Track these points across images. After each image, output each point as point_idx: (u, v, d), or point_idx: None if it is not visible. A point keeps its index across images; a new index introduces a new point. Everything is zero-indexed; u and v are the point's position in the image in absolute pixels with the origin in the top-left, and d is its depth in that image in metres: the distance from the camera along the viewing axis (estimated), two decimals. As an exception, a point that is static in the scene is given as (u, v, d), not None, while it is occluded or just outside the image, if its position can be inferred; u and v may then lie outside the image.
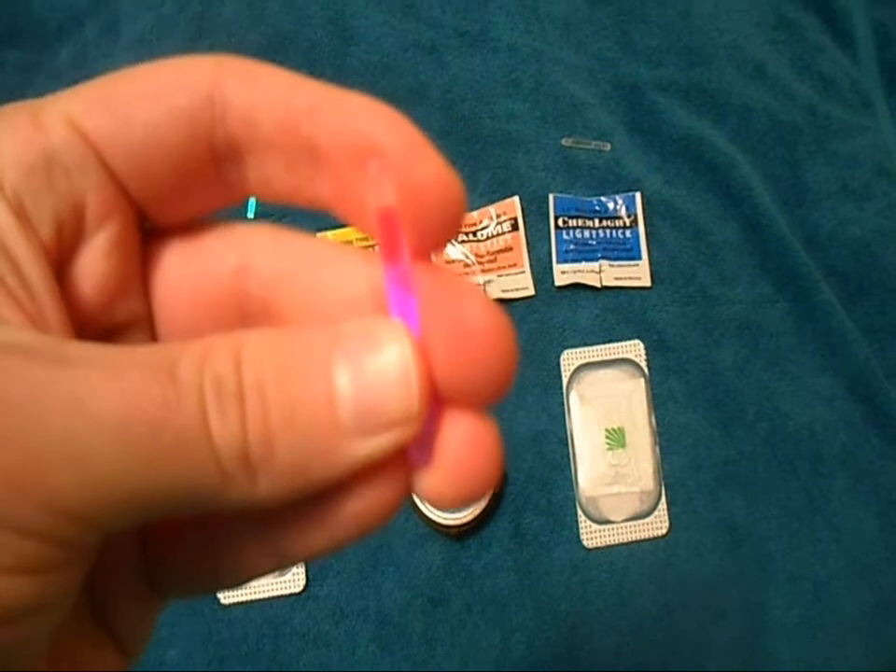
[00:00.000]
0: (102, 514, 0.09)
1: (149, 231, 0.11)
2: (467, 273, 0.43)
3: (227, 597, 0.38)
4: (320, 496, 0.10)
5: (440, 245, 0.10)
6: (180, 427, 0.09)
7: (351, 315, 0.10)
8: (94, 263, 0.10)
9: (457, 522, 0.37)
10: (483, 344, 0.09)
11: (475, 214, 0.44)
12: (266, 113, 0.10)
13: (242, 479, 0.09)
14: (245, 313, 0.11)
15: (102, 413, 0.08)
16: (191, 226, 0.11)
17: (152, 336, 0.11)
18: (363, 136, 0.10)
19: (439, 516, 0.37)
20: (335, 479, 0.09)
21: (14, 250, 0.09)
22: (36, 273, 0.10)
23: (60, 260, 0.10)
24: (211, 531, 0.11)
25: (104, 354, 0.09)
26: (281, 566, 0.11)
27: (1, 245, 0.09)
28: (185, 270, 0.11)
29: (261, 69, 0.10)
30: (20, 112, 0.10)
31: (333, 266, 0.11)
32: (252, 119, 0.10)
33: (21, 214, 0.10)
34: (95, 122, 0.10)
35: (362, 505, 0.10)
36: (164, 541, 0.11)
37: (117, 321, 0.11)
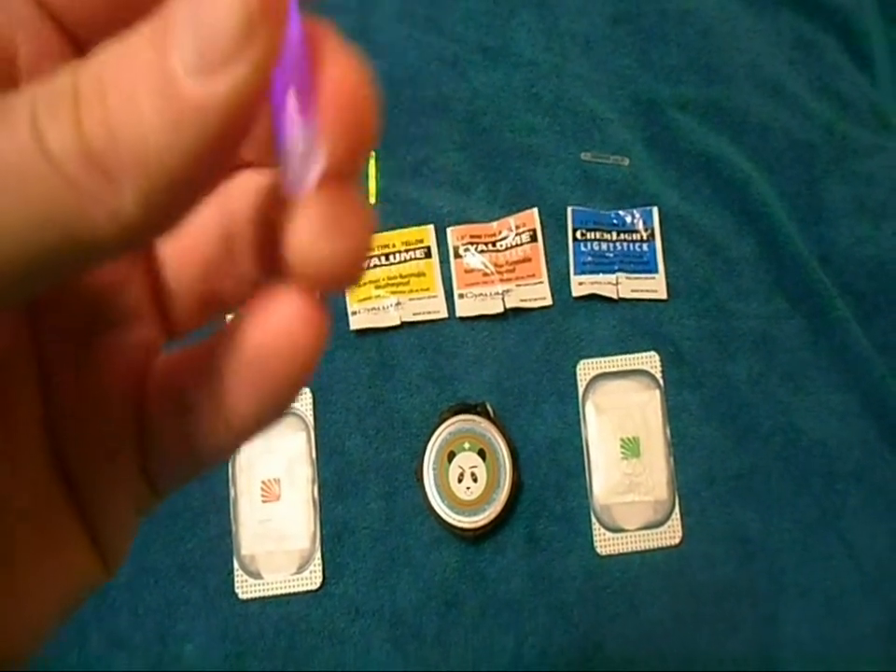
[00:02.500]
0: None
1: None
2: (486, 283, 0.44)
3: (245, 593, 0.38)
4: (234, 348, 0.09)
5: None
6: (13, 150, 0.07)
7: None
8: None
9: (473, 525, 0.37)
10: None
11: (495, 224, 0.45)
12: None
13: (99, 189, 0.08)
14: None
15: None
16: None
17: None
18: None
19: (455, 519, 0.38)
20: (199, 155, 0.08)
21: None
22: None
23: None
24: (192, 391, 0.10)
25: None
26: (232, 436, 0.10)
27: None
28: None
29: None
30: None
31: None
32: None
33: None
34: None
35: (271, 330, 0.09)
36: (156, 417, 0.11)
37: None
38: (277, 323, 0.09)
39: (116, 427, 0.11)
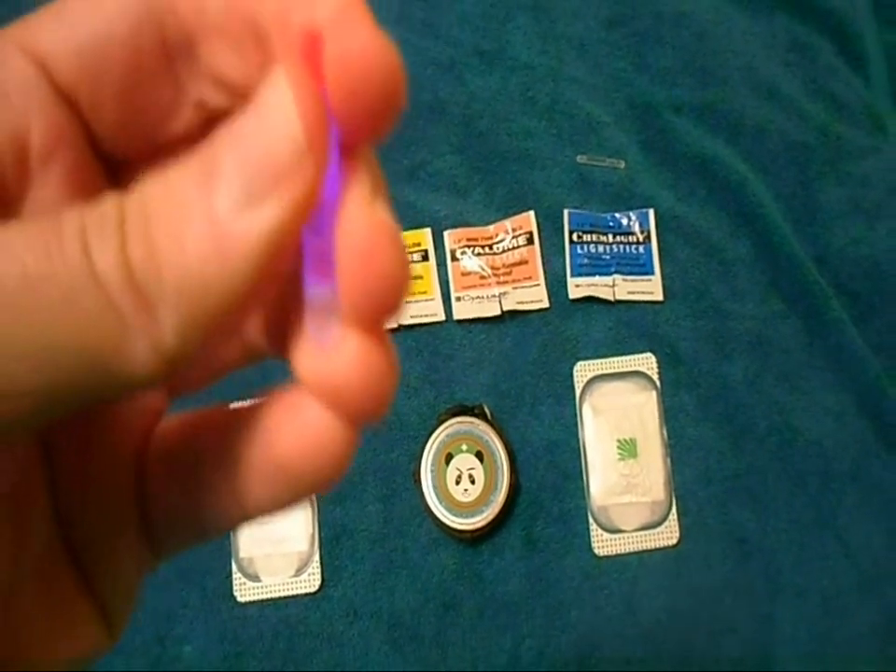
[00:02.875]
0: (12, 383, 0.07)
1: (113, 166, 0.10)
2: (482, 285, 0.44)
3: (243, 595, 0.38)
4: (258, 436, 0.09)
5: (378, 129, 0.09)
6: (65, 273, 0.08)
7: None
8: (45, 202, 0.10)
9: (470, 527, 0.38)
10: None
11: (491, 227, 0.45)
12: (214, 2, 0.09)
13: (139, 317, 0.08)
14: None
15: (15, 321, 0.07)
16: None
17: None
18: (301, 12, 0.09)
19: (453, 521, 0.38)
20: (238, 287, 0.08)
21: None
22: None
23: (4, 202, 0.09)
24: (198, 472, 0.10)
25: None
26: (246, 515, 0.10)
27: None
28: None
29: None
30: None
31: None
32: (200, 4, 0.09)
33: None
34: (39, 31, 0.09)
35: (302, 438, 0.09)
36: (160, 484, 0.11)
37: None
38: (309, 432, 0.09)
39: (120, 498, 0.11)
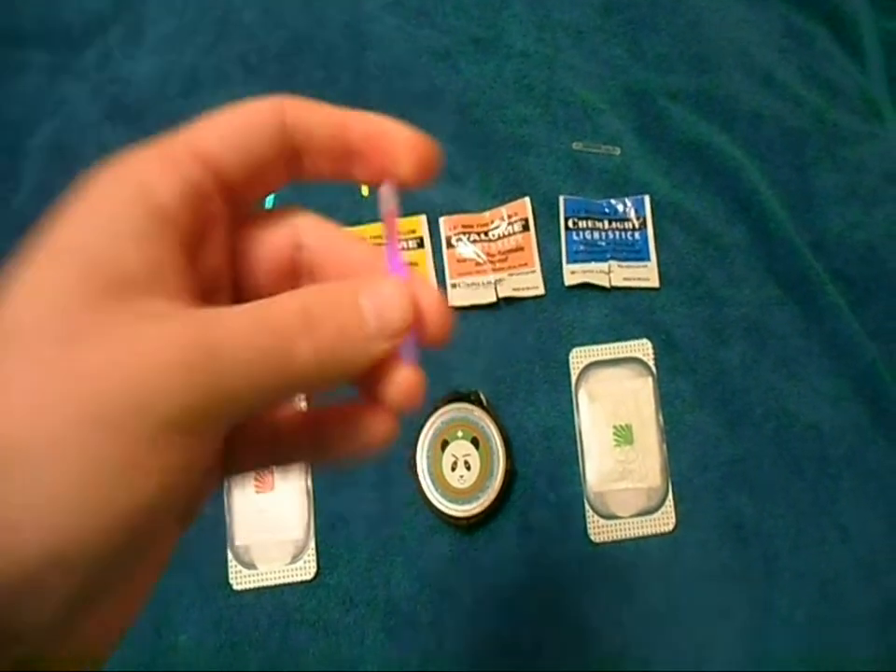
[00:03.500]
0: (231, 412, 0.14)
1: (237, 220, 0.16)
2: (478, 272, 0.44)
3: (239, 583, 0.38)
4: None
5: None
6: (279, 359, 0.14)
7: (364, 276, 0.16)
8: (210, 253, 0.15)
9: (467, 514, 0.37)
10: (436, 311, 0.16)
11: (487, 214, 0.45)
12: (319, 131, 0.16)
13: (311, 379, 0.15)
14: (297, 273, 0.17)
15: (246, 364, 0.14)
16: (261, 215, 0.17)
17: (233, 293, 0.17)
18: (381, 136, 0.17)
19: (448, 508, 0.38)
20: (366, 367, 0.15)
21: (171, 249, 0.14)
22: (183, 263, 0.14)
23: (190, 252, 0.15)
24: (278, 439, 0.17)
25: (240, 323, 0.14)
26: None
27: (164, 245, 0.14)
28: (263, 247, 0.17)
29: (313, 103, 0.16)
30: (157, 152, 0.15)
31: (356, 246, 0.17)
32: (310, 135, 0.16)
33: (171, 223, 0.14)
34: (218, 155, 0.15)
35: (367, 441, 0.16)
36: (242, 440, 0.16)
37: (214, 284, 0.16)
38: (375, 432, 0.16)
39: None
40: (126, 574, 0.13)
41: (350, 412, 0.16)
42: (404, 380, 0.16)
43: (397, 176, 0.16)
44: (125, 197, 0.14)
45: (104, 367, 0.12)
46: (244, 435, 0.16)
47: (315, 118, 0.16)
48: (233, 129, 0.16)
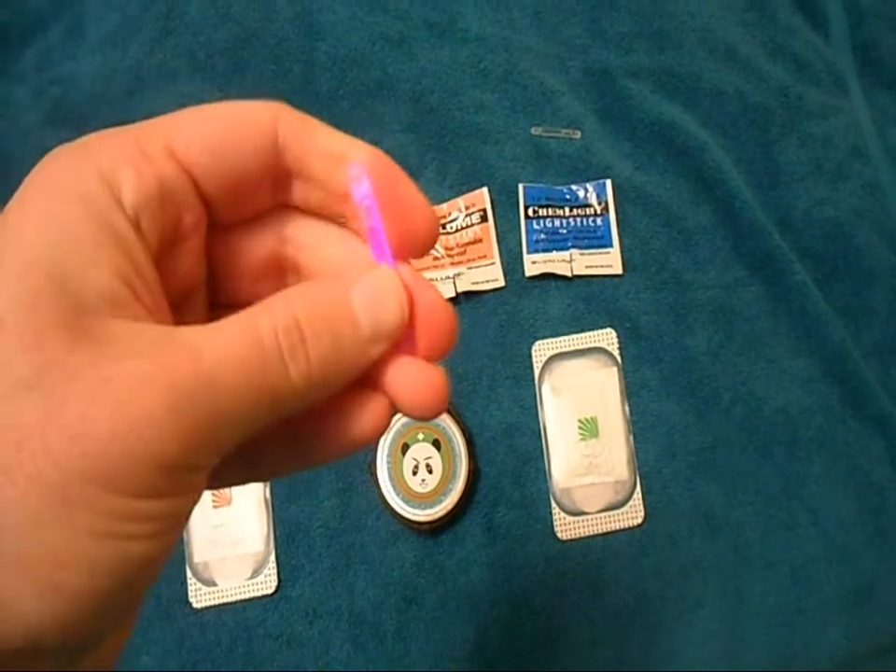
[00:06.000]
0: (229, 442, 0.13)
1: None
2: (436, 267, 0.43)
3: (199, 601, 0.37)
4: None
5: (418, 252, 0.15)
6: (274, 380, 0.13)
7: (352, 270, 0.15)
8: (183, 260, 0.14)
9: (429, 518, 0.36)
10: (439, 315, 0.15)
11: (444, 206, 0.44)
12: (314, 160, 0.14)
13: (309, 394, 0.13)
14: (281, 268, 0.16)
15: (236, 394, 0.12)
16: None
17: (208, 295, 0.15)
18: (394, 197, 0.15)
19: (411, 513, 0.37)
20: (361, 371, 0.14)
21: (137, 259, 0.13)
22: (151, 275, 0.13)
23: (159, 261, 0.13)
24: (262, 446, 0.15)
25: (221, 347, 0.12)
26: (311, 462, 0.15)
27: (129, 255, 0.12)
28: (244, 244, 0.15)
29: (310, 121, 0.14)
30: (125, 142, 0.13)
31: (343, 242, 0.15)
32: (302, 161, 0.14)
33: (138, 229, 0.13)
34: (196, 159, 0.13)
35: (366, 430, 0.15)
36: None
37: (187, 290, 0.15)
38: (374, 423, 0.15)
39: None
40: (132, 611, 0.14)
41: (335, 401, 0.15)
42: (423, 382, 0.14)
43: (409, 255, 0.15)
44: (84, 192, 0.12)
45: (77, 428, 0.11)
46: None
47: (310, 141, 0.14)
48: (218, 133, 0.13)
